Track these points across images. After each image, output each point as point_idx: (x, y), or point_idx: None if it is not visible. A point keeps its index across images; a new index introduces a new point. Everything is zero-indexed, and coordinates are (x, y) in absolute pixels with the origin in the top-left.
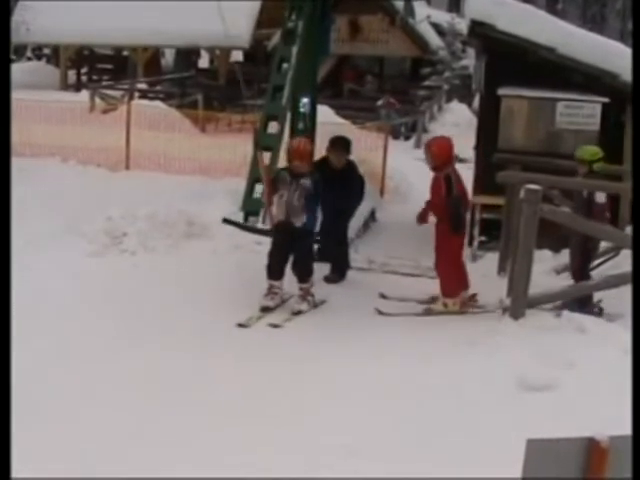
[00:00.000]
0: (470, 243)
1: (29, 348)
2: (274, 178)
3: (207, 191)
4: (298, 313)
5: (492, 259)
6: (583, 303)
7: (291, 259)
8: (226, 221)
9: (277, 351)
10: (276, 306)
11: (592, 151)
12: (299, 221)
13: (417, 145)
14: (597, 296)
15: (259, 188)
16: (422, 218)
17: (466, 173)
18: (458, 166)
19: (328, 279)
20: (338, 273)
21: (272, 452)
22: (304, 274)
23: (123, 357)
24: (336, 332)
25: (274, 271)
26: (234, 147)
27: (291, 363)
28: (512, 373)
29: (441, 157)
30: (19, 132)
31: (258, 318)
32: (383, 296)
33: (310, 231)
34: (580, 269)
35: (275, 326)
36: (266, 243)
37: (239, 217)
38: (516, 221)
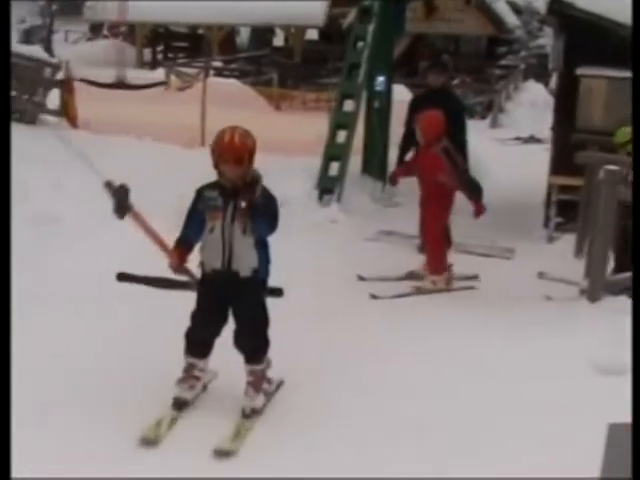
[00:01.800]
0: (546, 224)
1: (91, 320)
2: (195, 200)
3: (282, 168)
4: (251, 415)
5: (568, 241)
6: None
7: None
8: (122, 277)
9: None
10: (194, 398)
11: (621, 133)
12: (246, 268)
13: (493, 125)
14: (546, 269)
15: (334, 166)
16: (393, 179)
17: (543, 154)
18: (535, 147)
19: None
20: None
21: None
22: (256, 351)
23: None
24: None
25: (198, 345)
26: (308, 125)
27: None
28: (589, 356)
29: (431, 131)
30: (95, 110)
31: (170, 423)
32: (361, 278)
33: (263, 281)
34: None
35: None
36: (342, 221)
37: (313, 195)
38: (594, 202)
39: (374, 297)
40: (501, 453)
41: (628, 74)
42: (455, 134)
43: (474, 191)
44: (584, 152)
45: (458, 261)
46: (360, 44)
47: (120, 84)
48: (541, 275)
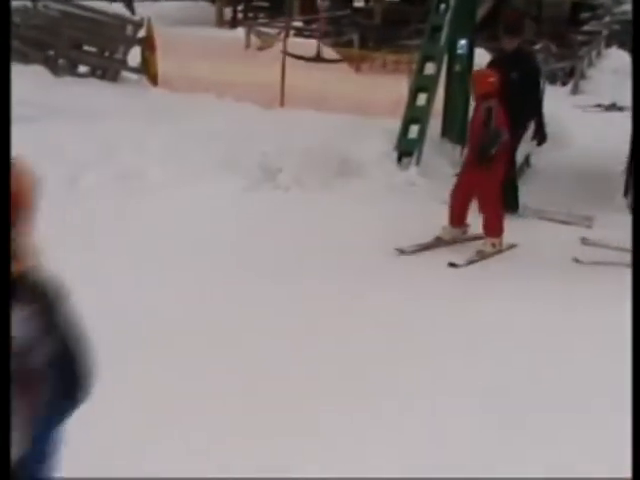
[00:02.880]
0: (626, 193)
1: (186, 274)
2: None
3: (361, 130)
4: None
5: None
6: None
7: None
8: None
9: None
10: None
11: None
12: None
13: (574, 91)
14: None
15: (414, 129)
16: None
17: (625, 122)
18: (616, 114)
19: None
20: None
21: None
22: None
23: (281, 288)
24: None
25: None
26: (389, 87)
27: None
28: None
29: (480, 88)
30: (176, 67)
31: None
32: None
33: None
34: None
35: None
36: (421, 185)
37: (392, 157)
38: None
39: (453, 265)
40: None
41: None
42: (529, 98)
43: (480, 153)
44: None
45: (534, 227)
46: (443, 6)
47: (318, 58)
48: (584, 241)
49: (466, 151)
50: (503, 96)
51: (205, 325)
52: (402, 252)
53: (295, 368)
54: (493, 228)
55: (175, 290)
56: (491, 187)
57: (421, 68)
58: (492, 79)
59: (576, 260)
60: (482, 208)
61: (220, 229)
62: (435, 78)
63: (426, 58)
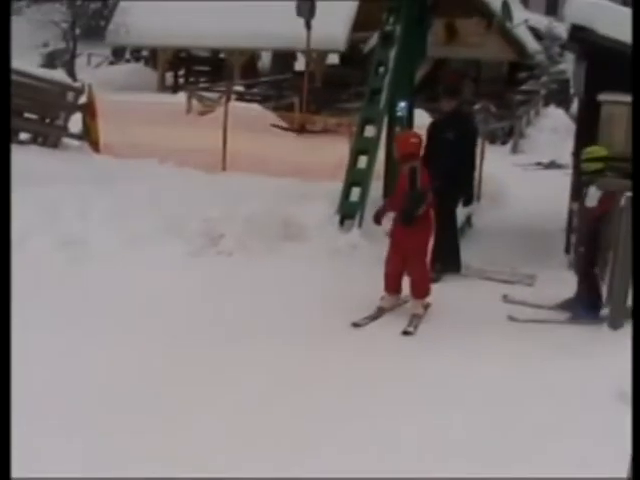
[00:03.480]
0: (567, 250)
1: (126, 343)
2: None
3: (303, 193)
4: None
5: None
6: (591, 304)
7: None
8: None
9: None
10: None
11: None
12: None
13: (514, 150)
14: (547, 293)
15: (356, 191)
16: (377, 219)
17: (564, 180)
18: (556, 172)
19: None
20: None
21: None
22: None
23: (223, 354)
24: (435, 335)
25: None
26: (330, 150)
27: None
28: (611, 383)
29: (401, 150)
30: (118, 133)
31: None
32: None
33: None
34: (584, 269)
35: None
36: (363, 247)
37: (334, 220)
38: (615, 229)
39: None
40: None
41: None
42: (463, 157)
43: (405, 214)
44: (606, 179)
45: (480, 287)
46: (382, 69)
47: (302, 129)
48: (506, 298)
49: (395, 214)
50: (440, 156)
51: (144, 397)
52: (356, 325)
53: (240, 439)
54: (422, 290)
55: (118, 358)
56: (418, 248)
57: (361, 131)
58: (414, 140)
59: (511, 318)
60: (410, 271)
61: (164, 295)
62: (375, 140)
63: (366, 120)
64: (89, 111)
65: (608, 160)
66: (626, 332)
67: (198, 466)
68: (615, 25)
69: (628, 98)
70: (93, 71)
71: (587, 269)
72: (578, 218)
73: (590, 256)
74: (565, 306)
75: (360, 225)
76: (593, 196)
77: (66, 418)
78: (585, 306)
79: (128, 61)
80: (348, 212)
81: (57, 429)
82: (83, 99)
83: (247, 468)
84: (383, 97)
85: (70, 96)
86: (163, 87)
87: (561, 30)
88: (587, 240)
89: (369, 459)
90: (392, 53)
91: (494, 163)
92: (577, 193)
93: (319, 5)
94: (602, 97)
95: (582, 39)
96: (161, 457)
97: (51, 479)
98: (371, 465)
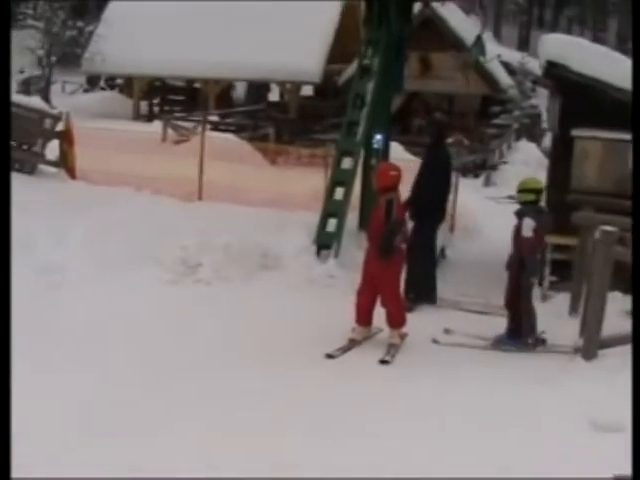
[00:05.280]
0: (540, 283)
1: (103, 370)
2: None
3: (280, 223)
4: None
5: (563, 299)
6: (518, 333)
7: None
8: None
9: None
10: None
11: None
12: None
13: (486, 183)
14: (540, 327)
15: (332, 222)
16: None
17: None
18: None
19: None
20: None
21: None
22: None
23: (197, 384)
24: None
25: None
26: (304, 180)
27: None
28: (584, 412)
29: (381, 182)
30: (94, 160)
31: None
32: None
33: None
34: (519, 297)
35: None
36: (340, 277)
37: (311, 251)
38: (589, 262)
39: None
40: None
41: (623, 136)
42: (439, 188)
43: (382, 245)
44: (581, 212)
45: (456, 318)
46: (359, 102)
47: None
48: (447, 331)
49: (367, 245)
50: (420, 188)
51: (115, 424)
52: (330, 357)
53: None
54: (397, 320)
55: (91, 384)
56: (392, 280)
57: (339, 162)
58: (394, 172)
59: (434, 341)
60: (385, 302)
61: (141, 323)
62: (352, 172)
63: (343, 153)
64: (66, 138)
65: (541, 193)
66: (599, 362)
67: None
68: (589, 62)
69: (601, 134)
70: (68, 98)
71: (521, 298)
72: (513, 249)
73: (524, 286)
74: (498, 337)
75: (337, 255)
76: (528, 226)
77: (40, 444)
78: (511, 335)
79: (103, 89)
80: (325, 242)
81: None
82: (60, 126)
83: None
84: (360, 129)
85: (47, 123)
86: (138, 115)
87: (533, 65)
88: (516, 270)
89: None
90: (370, 86)
91: (467, 196)
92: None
93: (294, 35)
94: (575, 132)
95: (556, 75)
96: None
97: (51, 479)
98: None
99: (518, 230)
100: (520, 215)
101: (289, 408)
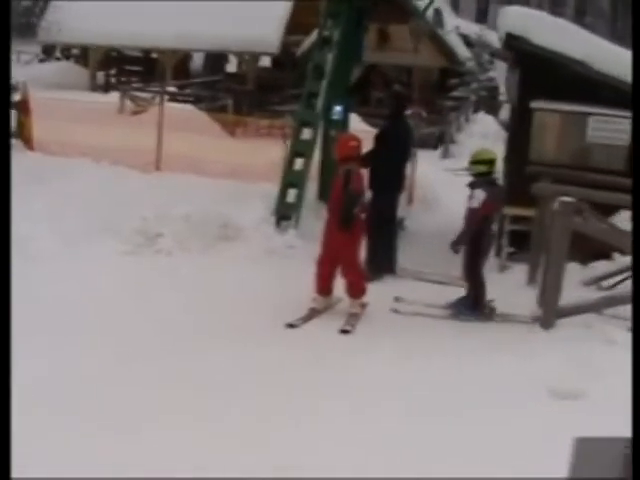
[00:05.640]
0: (498, 254)
1: (62, 346)
2: None
3: (239, 194)
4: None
5: (520, 270)
6: (475, 303)
7: None
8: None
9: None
10: None
11: (473, 153)
12: None
13: (444, 155)
14: (489, 296)
15: (292, 193)
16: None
17: None
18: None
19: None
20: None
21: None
22: None
23: (159, 357)
24: (374, 335)
25: None
26: (263, 151)
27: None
28: (542, 380)
29: (341, 152)
30: (50, 130)
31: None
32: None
33: None
34: (469, 268)
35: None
36: (300, 247)
37: (271, 222)
38: (547, 233)
39: (343, 332)
40: (457, 470)
41: (581, 108)
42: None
43: (343, 216)
44: (540, 183)
45: (415, 288)
46: (319, 73)
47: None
48: (397, 299)
49: (326, 215)
50: (379, 160)
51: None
52: (292, 326)
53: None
54: (358, 289)
55: (54, 359)
56: (352, 250)
57: (298, 133)
58: (354, 143)
59: (395, 311)
60: (345, 272)
61: (102, 294)
62: (312, 143)
63: (303, 123)
64: (23, 108)
65: (493, 164)
66: (557, 332)
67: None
68: (549, 35)
69: (560, 106)
70: (23, 68)
71: (471, 269)
72: (464, 220)
73: (474, 257)
74: (452, 305)
75: (296, 226)
76: (478, 198)
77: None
78: (467, 304)
79: (58, 59)
80: (285, 213)
81: None
82: (17, 96)
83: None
84: (320, 100)
85: None
86: (94, 86)
87: (491, 38)
88: (471, 241)
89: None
90: (330, 57)
91: (425, 168)
92: (508, 197)
93: (252, 6)
94: (535, 104)
95: (516, 48)
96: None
97: (51, 479)
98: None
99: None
100: (472, 187)
101: (252, 377)
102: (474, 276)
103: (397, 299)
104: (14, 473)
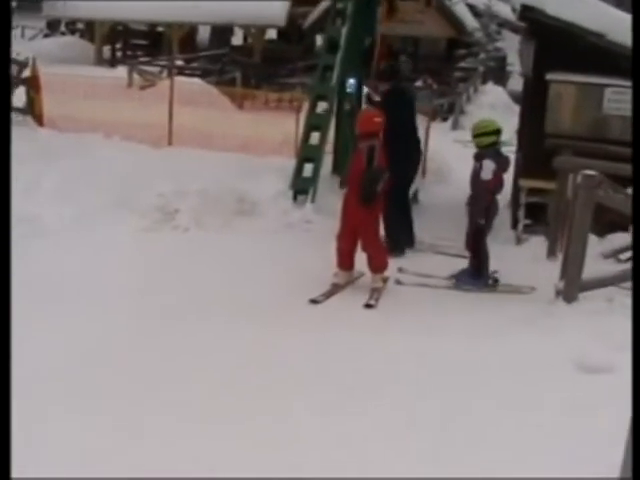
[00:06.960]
0: (514, 226)
1: (82, 322)
2: None
3: (252, 168)
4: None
5: (537, 242)
6: (478, 274)
7: None
8: None
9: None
10: None
11: (476, 126)
12: None
13: (454, 127)
14: (492, 267)
15: (309, 167)
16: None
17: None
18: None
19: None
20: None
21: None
22: None
23: (181, 331)
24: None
25: None
26: (273, 125)
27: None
28: (569, 354)
29: (364, 127)
30: (60, 107)
31: None
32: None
33: None
34: (474, 238)
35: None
36: (317, 222)
37: (287, 196)
38: (569, 206)
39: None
40: (493, 454)
41: (597, 80)
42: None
43: (364, 193)
44: (561, 157)
45: (434, 261)
46: (333, 46)
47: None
48: (400, 270)
49: (346, 191)
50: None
51: (103, 376)
52: (315, 302)
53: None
54: (380, 264)
55: (72, 338)
56: (371, 225)
57: (314, 107)
58: (377, 119)
59: (398, 282)
60: (365, 247)
61: (122, 272)
62: (327, 117)
63: (318, 97)
64: (33, 84)
65: (499, 133)
66: (580, 305)
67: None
68: (564, 6)
69: (576, 77)
70: (28, 43)
71: (476, 239)
72: (472, 191)
73: (482, 228)
74: (456, 276)
75: (313, 200)
76: (488, 168)
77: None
78: (471, 275)
79: (63, 34)
80: (301, 187)
81: None
82: (27, 72)
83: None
84: (335, 74)
85: (13, 69)
86: (100, 61)
87: (499, 8)
88: (480, 213)
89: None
90: (344, 30)
91: (436, 139)
92: (521, 169)
93: None
94: (550, 76)
95: (531, 19)
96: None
97: (51, 479)
98: (348, 440)
99: (477, 172)
100: (479, 158)
101: (280, 354)
102: (479, 246)
103: (400, 270)
104: (14, 473)
